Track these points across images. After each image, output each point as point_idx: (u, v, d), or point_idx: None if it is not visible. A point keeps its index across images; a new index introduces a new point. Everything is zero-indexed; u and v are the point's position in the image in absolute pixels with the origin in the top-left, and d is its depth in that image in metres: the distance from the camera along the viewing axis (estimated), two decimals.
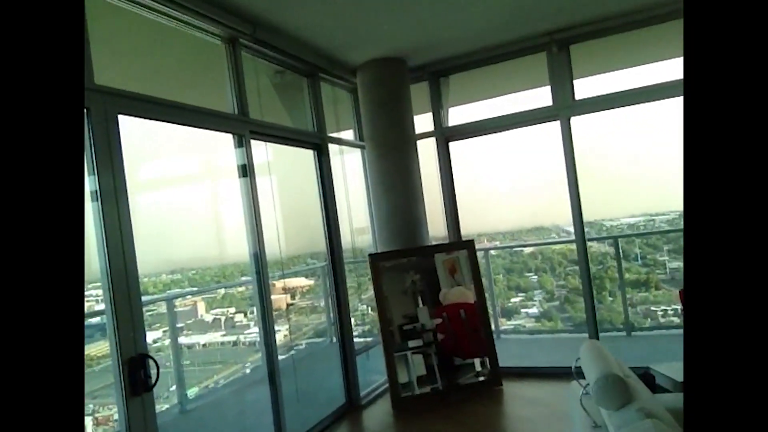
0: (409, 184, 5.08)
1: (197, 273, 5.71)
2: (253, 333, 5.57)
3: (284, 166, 5.01)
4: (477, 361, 4.90)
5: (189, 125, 3.44)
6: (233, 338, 5.64)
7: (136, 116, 3.03)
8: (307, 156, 4.97)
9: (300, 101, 4.93)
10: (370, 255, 4.96)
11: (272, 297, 6.54)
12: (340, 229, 4.97)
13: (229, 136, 3.84)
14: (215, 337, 5.54)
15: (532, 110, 5.09)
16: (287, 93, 4.88)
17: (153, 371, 2.65)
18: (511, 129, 5.28)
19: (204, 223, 5.70)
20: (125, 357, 2.55)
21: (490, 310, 5.41)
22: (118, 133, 2.84)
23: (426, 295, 4.95)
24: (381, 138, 5.11)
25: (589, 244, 5.02)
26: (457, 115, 5.57)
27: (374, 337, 5.61)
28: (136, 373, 2.56)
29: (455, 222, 5.47)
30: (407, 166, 5.10)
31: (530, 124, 5.17)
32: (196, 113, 3.47)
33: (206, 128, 3.59)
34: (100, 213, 2.64)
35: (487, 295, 5.57)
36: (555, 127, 4.93)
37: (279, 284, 5.60)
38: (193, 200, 6.10)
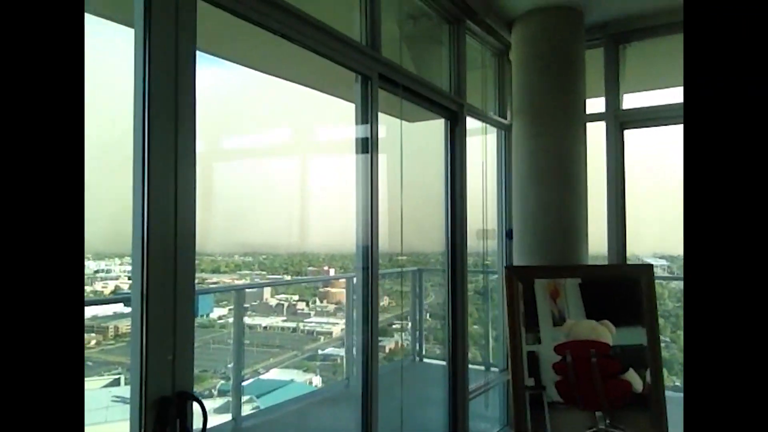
0: (571, 176, 3.76)
1: (267, 258, 5.75)
2: (312, 322, 5.68)
3: (397, 142, 3.86)
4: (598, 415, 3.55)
5: (303, 44, 2.34)
6: (293, 324, 5.65)
7: (226, 9, 1.95)
8: (433, 129, 3.79)
9: (435, 57, 3.75)
10: (509, 267, 3.69)
11: (332, 290, 5.88)
12: (466, 228, 3.75)
13: (334, 103, 2.71)
14: (277, 321, 5.58)
15: None
16: (420, 46, 3.71)
17: (197, 421, 1.53)
18: None
19: (287, 204, 5.37)
20: (152, 396, 1.43)
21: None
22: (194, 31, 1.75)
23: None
24: (539, 112, 3.82)
25: None
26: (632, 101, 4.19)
27: (491, 372, 4.36)
28: (167, 424, 1.44)
29: (621, 236, 4.08)
30: (571, 151, 3.78)
31: None
32: (314, 28, 2.35)
33: (324, 55, 2.47)
34: (145, 165, 1.55)
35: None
36: None
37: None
38: (279, 176, 5.35)
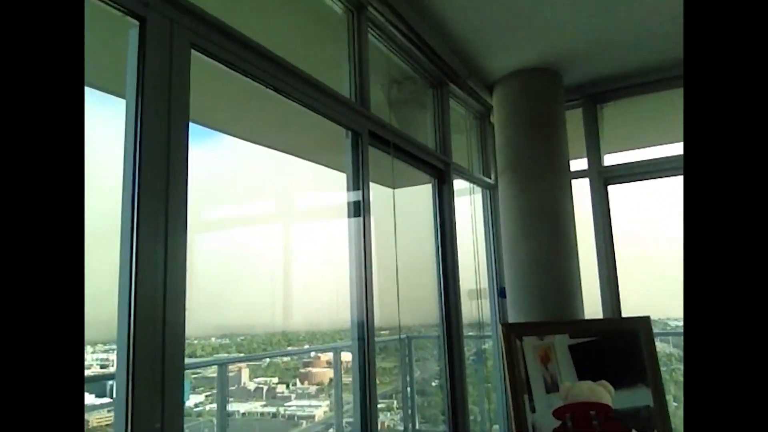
0: (560, 231, 3.74)
1: (245, 339, 5.62)
2: (293, 406, 5.52)
3: (385, 208, 3.82)
4: None
5: (296, 99, 2.31)
6: (273, 409, 5.44)
7: (220, 60, 1.93)
8: (420, 194, 3.78)
9: (420, 120, 3.80)
10: (505, 325, 3.57)
11: (314, 370, 5.79)
12: (459, 290, 3.65)
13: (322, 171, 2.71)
14: (256, 406, 5.39)
15: None
16: (405, 109, 3.76)
17: None
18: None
19: (266, 280, 5.22)
20: None
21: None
22: (188, 69, 1.72)
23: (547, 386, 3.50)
24: (524, 170, 3.84)
25: None
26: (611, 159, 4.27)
27: None
28: None
29: (613, 291, 4.02)
30: (559, 206, 3.78)
31: None
32: (307, 84, 2.35)
33: (314, 110, 2.45)
34: (134, 237, 1.46)
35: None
36: None
37: (324, 357, 5.63)
38: (260, 249, 5.25)
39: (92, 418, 4.67)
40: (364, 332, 2.63)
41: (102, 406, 4.94)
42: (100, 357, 5.04)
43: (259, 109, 3.38)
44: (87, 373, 4.93)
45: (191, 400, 4.62)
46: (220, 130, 3.84)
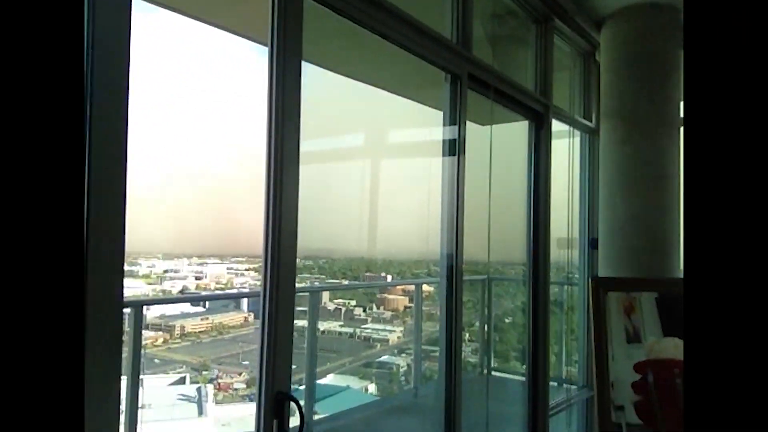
0: (663, 184, 3.53)
1: (327, 262, 5.75)
2: (369, 329, 5.66)
3: (475, 147, 3.73)
4: None
5: (397, 42, 2.27)
6: (350, 330, 5.63)
7: (327, 5, 1.92)
8: (515, 133, 3.66)
9: (521, 57, 3.62)
10: (595, 279, 3.50)
11: (389, 296, 5.96)
12: (549, 236, 3.58)
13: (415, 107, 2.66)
14: (334, 325, 5.57)
15: None
16: (505, 46, 3.59)
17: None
18: None
19: (352, 208, 5.33)
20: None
21: None
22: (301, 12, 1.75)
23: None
24: (628, 116, 3.61)
25: None
26: None
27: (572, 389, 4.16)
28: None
29: None
30: (663, 158, 3.55)
31: None
32: (408, 26, 2.29)
33: (414, 52, 2.40)
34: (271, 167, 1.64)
35: None
36: None
37: (399, 286, 5.84)
38: (350, 181, 5.34)
39: (188, 325, 5.17)
40: (453, 268, 2.69)
41: (196, 314, 5.43)
42: (195, 269, 5.49)
43: (359, 47, 3.35)
44: (184, 283, 5.36)
45: None
46: (325, 67, 3.88)
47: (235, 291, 5.60)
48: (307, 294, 5.30)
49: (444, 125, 2.74)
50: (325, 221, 5.21)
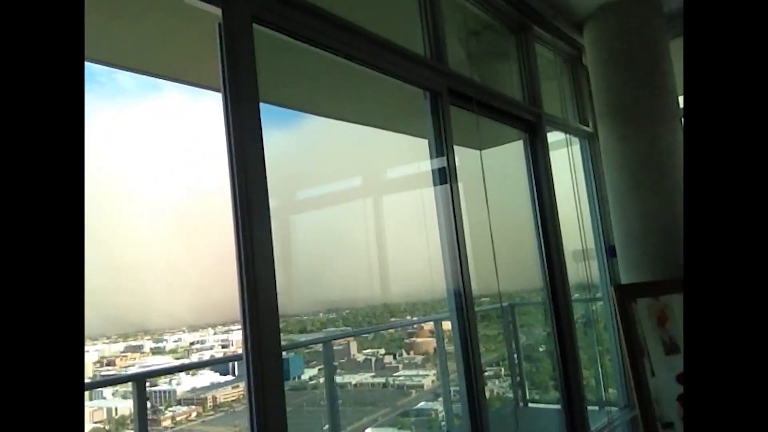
0: (673, 177, 3.32)
1: (350, 312, 5.68)
2: (401, 376, 5.58)
3: (472, 171, 3.56)
4: None
5: (367, 63, 2.15)
6: (383, 380, 5.51)
7: (283, 31, 1.79)
8: (508, 151, 3.51)
9: (504, 71, 3.49)
10: (618, 287, 3.26)
11: (418, 340, 5.74)
12: (563, 251, 3.37)
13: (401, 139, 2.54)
14: (366, 377, 5.48)
15: None
16: (486, 62, 3.48)
17: None
18: None
19: (363, 253, 5.24)
20: None
21: None
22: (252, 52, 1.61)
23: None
24: (626, 113, 3.44)
25: None
26: None
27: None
28: None
29: None
30: (669, 152, 3.35)
31: None
32: (377, 45, 2.17)
33: (388, 72, 2.27)
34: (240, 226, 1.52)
35: None
36: None
37: (427, 327, 5.50)
38: (353, 224, 5.28)
39: (219, 395, 5.03)
40: (462, 301, 2.50)
41: (226, 383, 5.28)
42: (221, 338, 5.40)
43: (333, 83, 3.26)
44: (211, 353, 5.33)
45: (306, 374, 4.81)
46: (302, 110, 3.79)
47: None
48: (340, 347, 5.14)
49: (430, 152, 2.59)
50: (343, 271, 5.19)
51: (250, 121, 1.57)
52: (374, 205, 5.29)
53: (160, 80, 3.51)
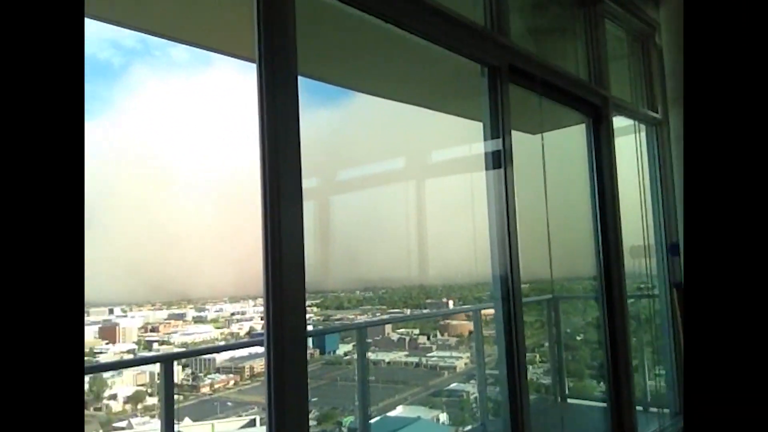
0: None
1: (387, 292, 5.71)
2: (435, 356, 5.59)
3: (527, 154, 3.33)
4: None
5: (414, 30, 1.97)
6: (416, 359, 5.52)
7: None
8: (570, 137, 3.27)
9: (569, 49, 3.24)
10: (680, 286, 3.01)
11: (453, 322, 5.77)
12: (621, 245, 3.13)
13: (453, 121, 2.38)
14: (399, 356, 5.49)
15: None
16: (550, 39, 3.22)
17: None
18: None
19: (402, 234, 5.20)
20: None
21: None
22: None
23: None
24: None
25: None
26: None
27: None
28: None
29: None
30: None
31: None
32: (431, 12, 1.98)
33: (442, 43, 2.08)
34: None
35: None
36: None
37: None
38: (396, 205, 5.33)
39: (257, 366, 5.08)
40: (509, 289, 2.35)
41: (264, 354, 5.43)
42: (260, 310, 5.55)
43: (381, 58, 3.09)
44: (251, 324, 5.54)
45: (341, 349, 4.95)
46: (351, 88, 3.67)
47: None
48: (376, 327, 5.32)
49: (485, 133, 2.40)
50: (381, 250, 5.20)
51: (285, 95, 1.44)
52: (417, 188, 5.16)
53: (212, 53, 3.44)
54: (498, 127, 2.33)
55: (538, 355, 4.80)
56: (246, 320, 5.43)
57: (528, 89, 2.56)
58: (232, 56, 3.18)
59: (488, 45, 2.26)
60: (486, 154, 2.40)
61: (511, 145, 2.37)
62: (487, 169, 2.41)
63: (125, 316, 7.12)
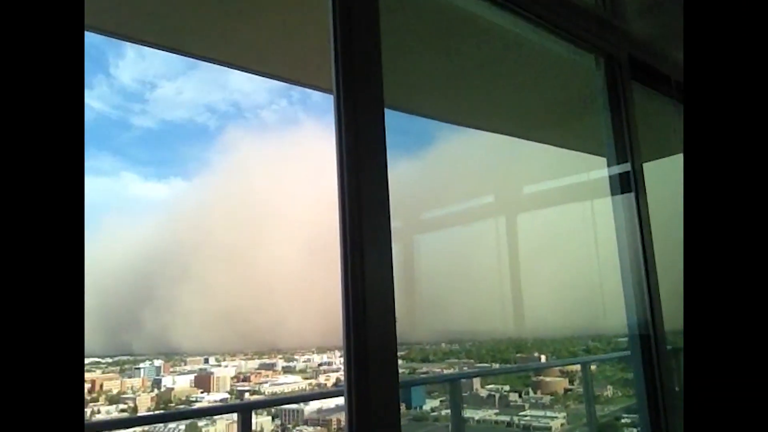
0: None
1: (473, 345, 5.64)
2: (527, 416, 5.34)
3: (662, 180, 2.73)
4: None
5: (517, 11, 1.61)
6: (507, 418, 5.28)
7: None
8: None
9: None
10: None
11: (546, 379, 5.55)
12: None
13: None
14: (489, 414, 5.31)
15: None
16: (673, 29, 2.71)
17: None
18: None
19: (489, 280, 4.83)
20: None
21: None
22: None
23: None
24: None
25: None
26: None
27: None
28: None
29: None
30: None
31: None
32: None
33: (545, 25, 1.71)
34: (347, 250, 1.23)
35: None
36: None
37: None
38: (482, 249, 4.93)
39: (343, 417, 5.14)
40: (649, 338, 1.96)
41: None
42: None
43: (469, 85, 2.75)
44: (337, 375, 5.56)
45: (427, 404, 4.82)
46: (431, 117, 3.38)
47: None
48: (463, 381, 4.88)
49: (608, 160, 1.97)
50: (468, 300, 4.97)
51: (370, 129, 1.24)
52: (510, 229, 4.68)
53: (299, 115, 3.30)
54: (623, 137, 1.89)
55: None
56: (333, 371, 5.50)
57: (658, 91, 2.09)
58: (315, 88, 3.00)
59: (602, 30, 1.85)
60: (610, 177, 1.97)
61: (641, 164, 1.92)
62: (613, 194, 1.97)
63: (219, 366, 7.27)
